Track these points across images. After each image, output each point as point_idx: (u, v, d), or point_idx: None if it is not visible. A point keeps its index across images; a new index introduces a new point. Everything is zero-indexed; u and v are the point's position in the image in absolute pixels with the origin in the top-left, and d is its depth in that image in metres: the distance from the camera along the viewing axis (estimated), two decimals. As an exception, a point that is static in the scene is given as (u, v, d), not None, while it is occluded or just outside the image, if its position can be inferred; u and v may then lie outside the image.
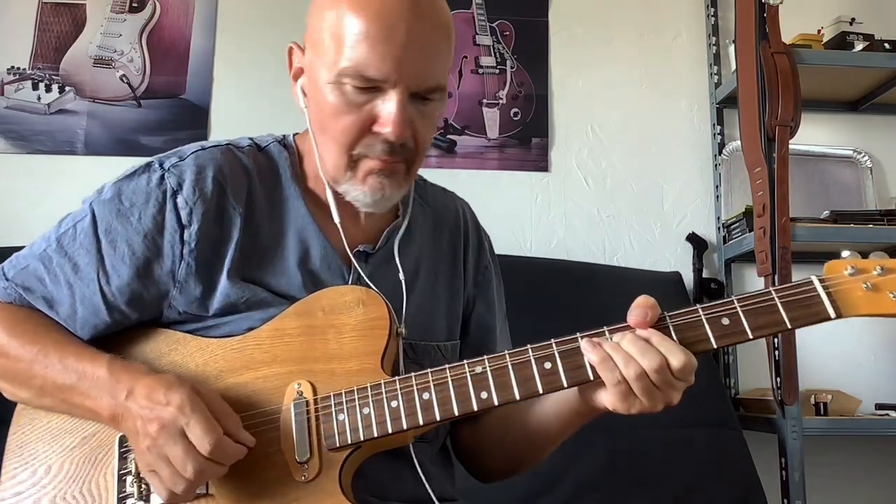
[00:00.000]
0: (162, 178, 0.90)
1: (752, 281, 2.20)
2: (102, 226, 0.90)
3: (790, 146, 1.90)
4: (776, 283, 1.79)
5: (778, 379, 1.82)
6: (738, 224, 2.13)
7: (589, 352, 0.81)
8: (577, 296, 1.97)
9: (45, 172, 2.14)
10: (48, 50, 2.21)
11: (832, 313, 0.79)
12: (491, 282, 1.12)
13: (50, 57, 2.21)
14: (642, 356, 0.79)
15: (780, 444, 1.85)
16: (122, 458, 0.86)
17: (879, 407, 2.06)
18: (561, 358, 0.82)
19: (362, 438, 0.83)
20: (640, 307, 0.82)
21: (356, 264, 0.94)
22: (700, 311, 0.82)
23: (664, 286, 2.11)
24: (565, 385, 0.82)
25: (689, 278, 2.20)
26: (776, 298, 0.80)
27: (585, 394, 0.86)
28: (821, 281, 0.80)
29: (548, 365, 0.82)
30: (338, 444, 0.83)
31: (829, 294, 0.79)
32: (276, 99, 2.23)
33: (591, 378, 0.81)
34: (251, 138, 1.01)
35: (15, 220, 2.07)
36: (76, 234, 0.90)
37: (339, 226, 0.94)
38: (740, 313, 0.80)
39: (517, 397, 0.82)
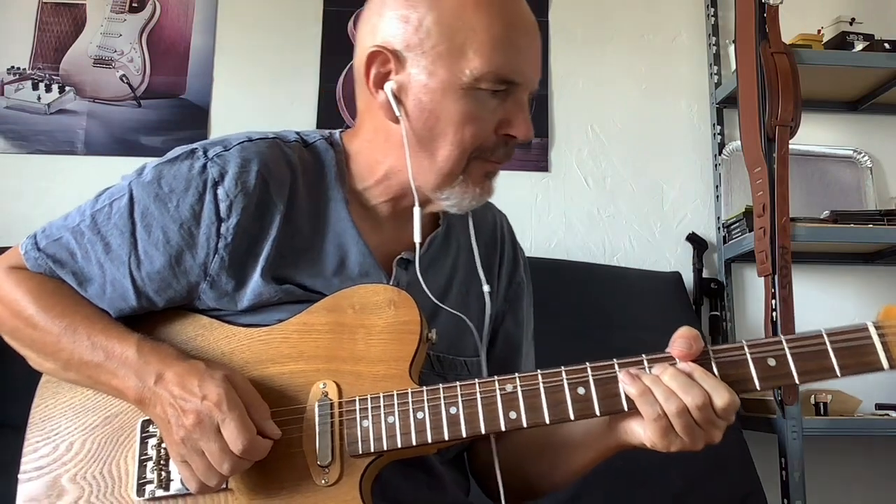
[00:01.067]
0: (204, 166, 0.87)
1: (752, 281, 2.20)
2: (139, 208, 0.87)
3: (790, 146, 1.90)
4: (776, 284, 1.82)
5: (778, 379, 1.82)
6: (738, 224, 2.13)
7: (627, 384, 0.78)
8: (577, 296, 1.97)
9: (45, 172, 2.14)
10: (48, 50, 2.21)
11: (885, 364, 0.75)
12: (522, 299, 1.09)
13: (50, 57, 2.21)
14: (685, 392, 0.75)
15: (780, 444, 1.85)
16: (144, 442, 0.86)
17: (879, 407, 2.06)
18: (595, 385, 0.79)
19: (385, 448, 0.81)
20: (684, 338, 0.78)
21: (398, 271, 0.93)
22: (746, 348, 0.77)
23: (664, 286, 2.11)
24: (598, 413, 0.79)
25: (689, 278, 2.20)
26: (828, 343, 0.76)
27: (618, 426, 0.83)
28: (877, 328, 0.77)
29: (581, 391, 0.79)
30: (360, 452, 0.81)
31: (883, 343, 0.76)
32: (277, 99, 2.23)
33: (626, 408, 0.78)
34: (298, 133, 0.97)
35: (15, 220, 2.07)
36: (111, 213, 0.88)
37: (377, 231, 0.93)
38: (788, 355, 0.76)
39: (547, 421, 0.79)
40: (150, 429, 0.86)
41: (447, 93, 0.85)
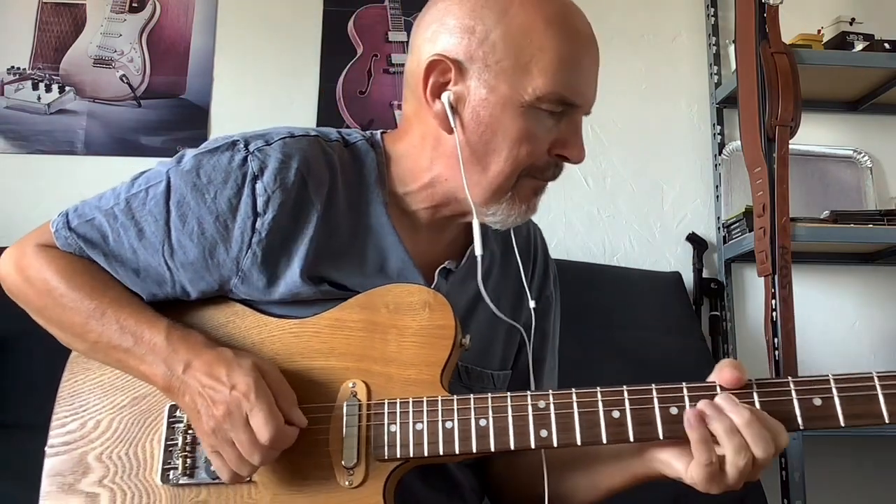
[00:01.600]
0: (245, 159, 0.86)
1: (752, 281, 2.20)
2: (175, 196, 0.86)
3: (790, 146, 1.90)
4: (776, 284, 1.81)
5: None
6: (738, 224, 2.13)
7: (691, 428, 0.74)
8: (578, 296, 1.96)
9: (45, 172, 2.14)
10: (48, 50, 2.21)
11: None
12: (549, 314, 1.09)
13: (50, 57, 2.21)
14: (757, 443, 0.72)
15: (780, 444, 1.85)
16: (171, 427, 0.86)
17: (879, 407, 2.06)
18: (631, 410, 0.77)
19: (412, 455, 0.80)
20: (733, 367, 0.77)
21: (438, 278, 0.92)
22: (791, 384, 0.75)
23: (664, 286, 2.11)
24: (631, 439, 0.77)
25: (689, 278, 2.20)
26: (878, 386, 0.73)
27: (652, 455, 0.81)
28: None
29: (616, 414, 0.77)
30: (386, 457, 0.80)
31: None
32: (277, 99, 2.23)
33: (661, 437, 0.76)
34: (339, 131, 0.95)
35: (15, 220, 2.07)
36: (147, 199, 0.87)
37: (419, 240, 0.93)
38: (835, 396, 0.74)
39: (578, 442, 0.77)
40: (178, 414, 0.86)
41: (507, 109, 0.84)
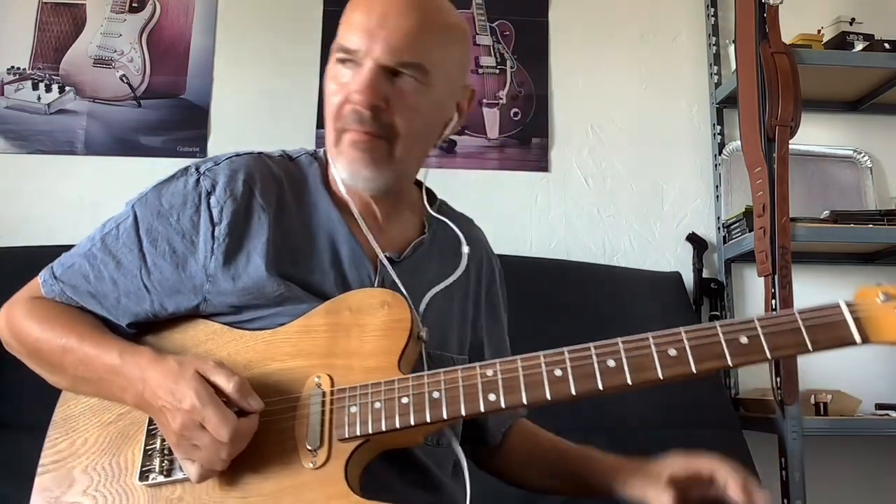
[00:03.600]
0: (198, 181, 0.96)
1: (753, 281, 2.20)
2: (144, 226, 0.95)
3: (790, 146, 1.90)
4: (776, 284, 1.82)
5: (778, 379, 1.82)
6: (738, 224, 2.13)
7: None
8: (577, 296, 1.97)
9: (45, 172, 2.14)
10: (48, 50, 2.21)
11: (858, 338, 0.77)
12: (499, 306, 1.17)
13: (50, 57, 2.21)
14: None
15: (780, 444, 1.85)
16: (151, 434, 0.91)
17: (879, 407, 2.06)
18: (572, 367, 0.82)
19: (370, 431, 0.84)
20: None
21: (383, 266, 0.98)
22: (718, 328, 0.80)
23: (664, 286, 2.11)
24: (573, 392, 0.81)
25: (689, 278, 2.20)
26: (800, 321, 0.79)
27: (631, 485, 0.96)
28: (849, 306, 0.78)
29: (558, 372, 0.82)
30: (347, 435, 0.85)
31: (856, 320, 0.78)
32: (276, 98, 2.23)
33: (601, 388, 0.81)
34: (283, 150, 1.06)
35: (15, 220, 2.07)
36: (119, 234, 0.96)
37: (362, 225, 0.99)
38: (760, 333, 0.79)
39: (524, 401, 0.82)
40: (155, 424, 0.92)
41: (328, 72, 0.98)
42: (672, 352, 0.80)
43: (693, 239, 2.23)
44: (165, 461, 0.88)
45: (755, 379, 2.15)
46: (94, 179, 2.14)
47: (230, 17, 2.28)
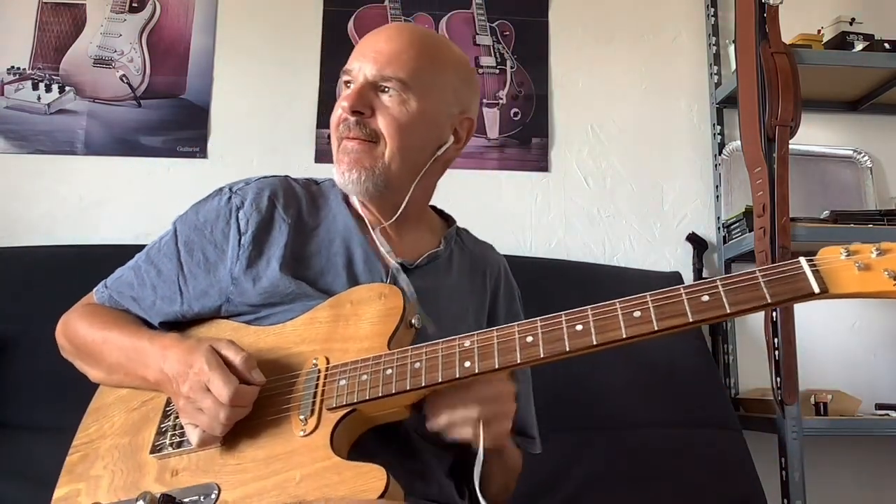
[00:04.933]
0: (230, 198, 1.10)
1: (752, 281, 2.20)
2: (182, 238, 1.09)
3: (790, 146, 1.90)
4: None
5: (778, 379, 1.82)
6: (738, 224, 2.13)
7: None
8: (577, 296, 1.95)
9: (45, 172, 2.14)
10: (48, 50, 2.21)
11: (816, 288, 0.77)
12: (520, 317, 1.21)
13: (50, 57, 2.21)
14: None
15: (780, 444, 1.85)
16: (166, 415, 1.02)
17: (879, 407, 2.06)
18: (542, 332, 0.87)
19: (356, 400, 0.91)
20: None
21: (394, 271, 1.07)
22: (682, 290, 0.84)
23: (664, 286, 2.10)
24: (541, 354, 0.86)
25: (689, 278, 2.20)
26: (759, 277, 0.81)
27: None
28: (808, 260, 0.80)
29: (529, 338, 0.87)
30: (335, 405, 0.92)
31: (815, 272, 0.78)
32: (277, 98, 2.23)
33: (567, 349, 0.85)
34: (311, 177, 1.20)
35: (15, 220, 2.07)
36: (161, 246, 1.11)
37: (375, 235, 1.10)
38: (721, 290, 0.81)
39: (496, 366, 0.87)
40: (171, 405, 1.02)
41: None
42: (637, 313, 0.84)
43: (693, 239, 2.23)
44: (176, 436, 0.97)
45: (755, 379, 2.15)
46: (94, 179, 2.14)
47: (230, 17, 2.28)
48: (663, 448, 1.79)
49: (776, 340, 1.84)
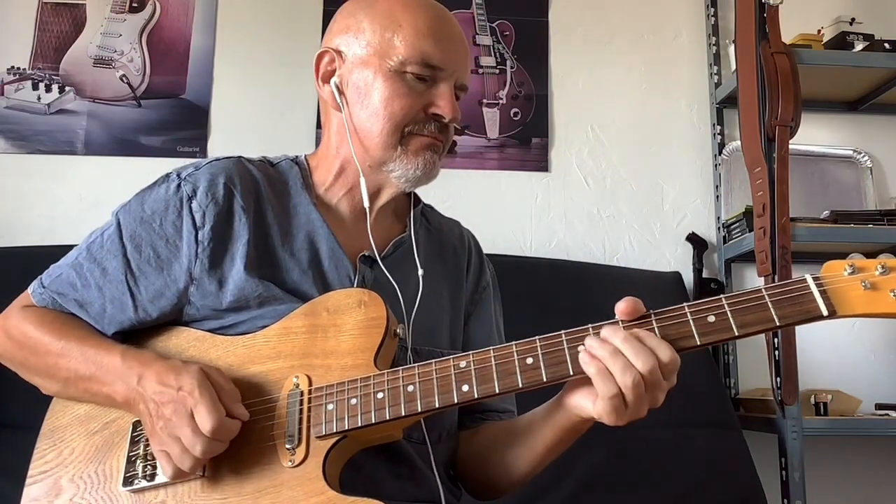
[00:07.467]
0: (178, 186, 0.98)
1: (753, 281, 2.20)
2: (127, 232, 0.98)
3: (790, 146, 1.90)
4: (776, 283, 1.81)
5: (778, 379, 1.82)
6: (738, 224, 2.13)
7: (587, 364, 0.81)
8: (578, 296, 1.96)
9: (45, 172, 2.14)
10: (48, 50, 2.21)
11: (825, 311, 0.77)
12: (489, 301, 1.17)
13: (50, 57, 2.21)
14: (636, 356, 0.79)
15: (780, 444, 1.85)
16: (134, 441, 0.92)
17: (879, 407, 2.06)
18: (543, 354, 0.83)
19: (347, 427, 0.85)
20: (628, 301, 0.84)
21: (363, 264, 1.01)
22: (686, 308, 0.82)
23: (664, 286, 2.11)
24: (545, 379, 0.83)
25: (689, 278, 2.20)
26: (766, 297, 0.79)
27: (569, 402, 0.88)
28: (815, 279, 0.79)
29: (529, 360, 0.83)
30: (324, 433, 0.86)
31: (822, 293, 0.78)
32: (277, 98, 2.23)
33: (571, 373, 0.82)
34: (264, 156, 1.09)
35: (15, 220, 2.07)
36: (104, 242, 0.99)
37: (345, 225, 1.02)
38: (727, 311, 0.80)
39: (497, 390, 0.83)
40: (140, 429, 0.92)
41: (378, 76, 0.99)
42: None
43: (693, 239, 2.23)
44: (148, 466, 0.89)
45: (755, 379, 2.15)
46: (94, 179, 2.14)
47: (230, 17, 2.28)
48: (663, 448, 1.79)
49: (776, 340, 1.84)
